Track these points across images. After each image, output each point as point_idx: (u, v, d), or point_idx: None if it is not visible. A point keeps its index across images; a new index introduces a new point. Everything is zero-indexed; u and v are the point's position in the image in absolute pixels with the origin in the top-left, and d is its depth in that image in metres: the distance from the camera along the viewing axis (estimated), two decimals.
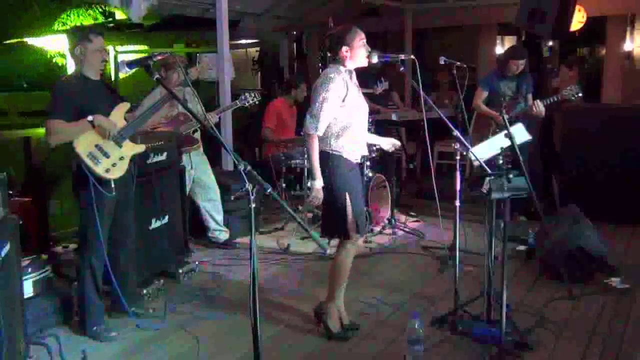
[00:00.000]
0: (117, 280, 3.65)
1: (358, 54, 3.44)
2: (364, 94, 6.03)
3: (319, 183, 3.41)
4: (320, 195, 3.42)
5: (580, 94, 5.26)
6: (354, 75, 3.55)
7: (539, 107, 5.31)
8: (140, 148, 3.72)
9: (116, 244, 3.70)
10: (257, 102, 5.09)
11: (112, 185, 3.47)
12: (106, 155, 3.47)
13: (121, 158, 3.55)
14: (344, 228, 3.46)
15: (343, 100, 3.40)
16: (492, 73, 5.95)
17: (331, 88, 3.37)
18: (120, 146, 3.55)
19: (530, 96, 5.67)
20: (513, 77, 5.69)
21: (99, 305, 3.69)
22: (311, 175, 3.44)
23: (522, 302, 4.07)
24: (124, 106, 3.66)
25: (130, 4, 5.37)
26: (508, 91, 5.71)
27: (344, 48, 3.43)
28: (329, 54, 3.55)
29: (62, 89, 3.50)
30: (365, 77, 6.53)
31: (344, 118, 3.42)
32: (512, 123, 3.74)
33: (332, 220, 3.52)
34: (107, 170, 3.45)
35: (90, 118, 3.39)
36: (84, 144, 3.41)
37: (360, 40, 3.44)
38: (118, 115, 3.59)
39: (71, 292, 3.85)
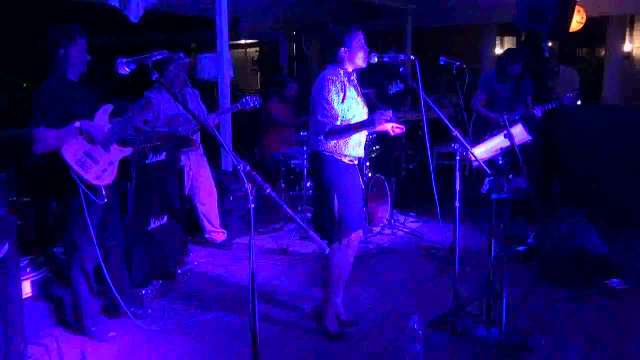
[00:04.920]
0: (112, 283, 3.59)
1: (357, 54, 3.44)
2: (376, 94, 5.99)
3: (371, 121, 3.39)
4: (386, 120, 3.38)
5: (579, 102, 5.28)
6: (353, 77, 3.54)
7: (538, 113, 5.35)
8: (127, 151, 3.64)
9: (106, 247, 3.64)
10: (257, 107, 5.10)
11: (103, 192, 3.42)
12: (95, 161, 3.40)
13: (110, 163, 3.49)
14: (331, 229, 3.45)
15: (341, 102, 3.40)
16: (490, 75, 5.91)
17: (330, 89, 3.37)
18: (108, 150, 3.48)
19: (529, 98, 5.67)
20: (512, 79, 5.68)
21: (94, 305, 3.68)
22: (368, 127, 3.42)
23: (522, 302, 4.06)
24: (108, 107, 3.55)
25: (129, 4, 5.34)
26: (507, 93, 5.70)
27: (343, 49, 3.42)
28: (329, 55, 3.54)
29: (45, 94, 3.35)
30: (379, 77, 6.52)
31: (339, 119, 3.42)
32: (512, 123, 3.73)
33: (322, 221, 3.52)
34: (98, 177, 3.40)
35: (77, 124, 3.31)
36: (71, 151, 3.32)
37: (359, 41, 3.43)
38: (103, 118, 3.50)
39: (69, 293, 3.84)
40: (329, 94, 3.36)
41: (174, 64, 4.78)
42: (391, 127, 3.50)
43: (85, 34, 3.44)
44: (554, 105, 5.41)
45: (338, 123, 3.39)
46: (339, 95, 3.39)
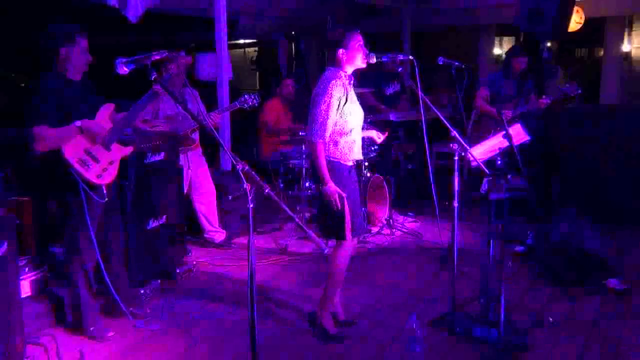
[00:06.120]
0: (111, 283, 3.59)
1: (355, 56, 3.43)
2: (373, 94, 6.01)
3: (331, 186, 3.38)
4: (335, 196, 3.38)
5: (579, 91, 5.30)
6: (352, 80, 3.54)
7: (547, 100, 5.39)
8: (128, 150, 3.64)
9: (106, 247, 3.64)
10: (256, 105, 5.10)
11: (104, 191, 3.42)
12: (96, 160, 3.40)
13: (111, 162, 3.49)
14: (341, 230, 3.46)
15: (343, 106, 3.39)
16: (496, 73, 6.02)
17: (332, 93, 3.35)
18: (109, 149, 3.47)
19: (533, 96, 5.70)
20: (515, 78, 5.73)
21: (94, 305, 3.68)
22: (321, 182, 3.38)
23: (521, 302, 4.07)
24: (109, 107, 3.55)
25: (128, 4, 5.33)
26: (510, 91, 5.74)
27: (341, 50, 3.41)
28: (327, 56, 3.54)
29: (44, 93, 3.33)
30: (377, 77, 6.54)
31: (342, 124, 3.41)
32: (511, 123, 3.73)
33: (330, 222, 3.51)
34: (99, 176, 3.39)
35: (78, 123, 3.30)
36: (73, 149, 3.31)
37: (357, 42, 3.42)
38: (104, 117, 3.50)
39: (68, 293, 3.84)
40: (331, 99, 3.34)
41: (175, 63, 4.78)
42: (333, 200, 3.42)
43: (86, 34, 3.42)
44: (559, 96, 5.43)
45: (329, 131, 3.38)
46: (340, 101, 3.38)
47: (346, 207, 3.43)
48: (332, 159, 3.44)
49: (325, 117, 3.34)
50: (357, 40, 3.42)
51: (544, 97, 5.46)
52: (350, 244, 3.54)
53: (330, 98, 3.34)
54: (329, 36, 3.52)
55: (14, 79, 9.54)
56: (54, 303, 3.80)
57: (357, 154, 3.54)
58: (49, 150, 3.29)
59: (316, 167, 3.40)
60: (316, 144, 3.36)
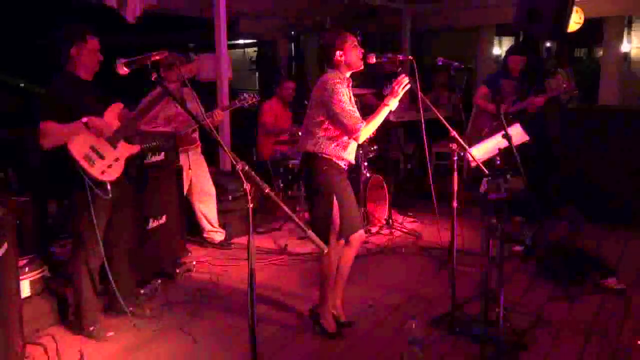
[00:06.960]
0: (113, 281, 3.62)
1: (352, 56, 3.44)
2: (374, 95, 6.03)
3: (389, 100, 3.40)
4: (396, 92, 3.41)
5: (576, 92, 5.34)
6: (350, 83, 3.55)
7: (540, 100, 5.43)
8: (135, 149, 3.67)
9: (111, 245, 3.66)
10: (256, 103, 5.10)
11: (109, 187, 3.44)
12: (101, 156, 3.43)
13: (116, 159, 3.51)
14: (326, 231, 3.46)
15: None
16: (496, 72, 6.06)
17: (341, 91, 3.38)
18: (115, 147, 3.51)
19: (531, 95, 5.73)
20: (516, 77, 5.75)
21: (95, 305, 3.69)
22: (386, 111, 3.43)
23: (519, 302, 4.07)
24: (117, 106, 3.60)
25: (126, 5, 5.33)
26: (510, 90, 5.77)
27: (338, 53, 3.42)
28: (326, 61, 3.54)
29: (53, 90, 3.43)
30: (375, 77, 6.56)
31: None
32: (510, 122, 3.73)
33: (317, 222, 3.52)
34: (103, 172, 3.42)
35: (84, 120, 3.34)
36: (78, 145, 3.35)
37: (351, 43, 3.43)
38: (112, 116, 3.54)
39: (70, 292, 3.85)
40: (343, 97, 3.37)
41: (189, 66, 4.80)
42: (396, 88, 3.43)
43: (96, 34, 3.47)
44: (556, 93, 5.47)
45: (358, 115, 3.40)
46: (346, 98, 3.41)
47: (334, 208, 3.43)
48: (323, 155, 3.45)
49: (349, 109, 3.36)
50: (351, 41, 3.43)
51: (539, 95, 5.48)
52: (333, 247, 3.52)
53: (341, 95, 3.37)
54: (323, 42, 3.52)
55: (13, 80, 9.57)
56: (55, 302, 3.81)
57: (349, 155, 3.55)
58: (55, 146, 3.33)
59: (378, 121, 3.43)
60: (359, 130, 3.37)
